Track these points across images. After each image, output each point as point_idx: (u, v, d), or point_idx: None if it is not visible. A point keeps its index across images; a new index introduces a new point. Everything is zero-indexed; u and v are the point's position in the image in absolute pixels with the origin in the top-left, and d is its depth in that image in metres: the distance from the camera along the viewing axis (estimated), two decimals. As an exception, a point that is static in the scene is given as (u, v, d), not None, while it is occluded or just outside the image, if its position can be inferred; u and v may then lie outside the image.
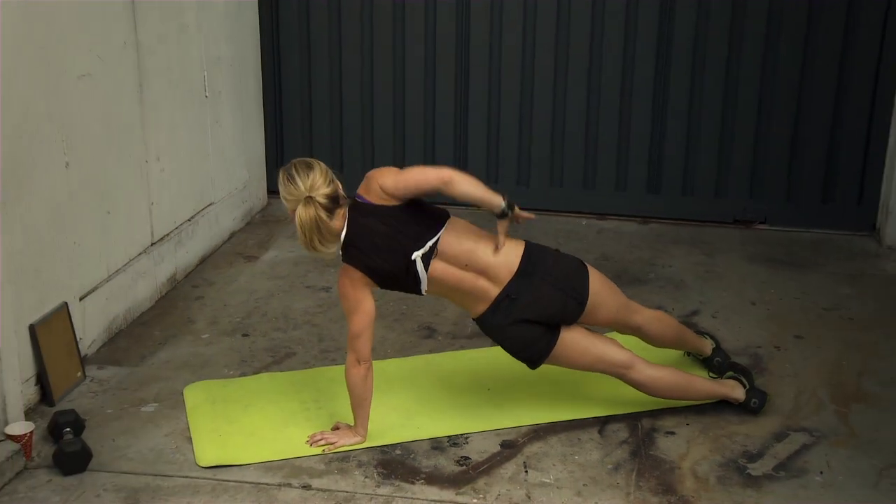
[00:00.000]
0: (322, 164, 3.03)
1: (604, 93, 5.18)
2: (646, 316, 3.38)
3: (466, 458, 3.12)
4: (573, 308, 3.13)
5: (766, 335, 3.96)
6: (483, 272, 3.08)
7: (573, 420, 3.33)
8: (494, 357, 3.75)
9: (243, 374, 3.65)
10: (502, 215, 3.05)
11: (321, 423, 3.29)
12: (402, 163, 5.41)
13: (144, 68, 4.10)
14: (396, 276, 3.07)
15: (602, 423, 3.32)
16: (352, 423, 3.19)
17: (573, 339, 3.16)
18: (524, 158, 5.35)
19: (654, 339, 3.44)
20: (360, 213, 3.03)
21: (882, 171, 4.99)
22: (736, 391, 3.36)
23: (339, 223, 3.02)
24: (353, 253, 3.03)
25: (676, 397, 3.31)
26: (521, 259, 3.10)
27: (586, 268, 3.20)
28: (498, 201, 3.03)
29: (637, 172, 5.26)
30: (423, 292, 3.11)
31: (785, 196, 5.15)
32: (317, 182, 2.96)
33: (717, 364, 3.55)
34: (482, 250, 3.08)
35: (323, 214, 2.95)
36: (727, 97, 5.08)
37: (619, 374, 3.24)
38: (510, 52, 5.20)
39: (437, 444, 3.20)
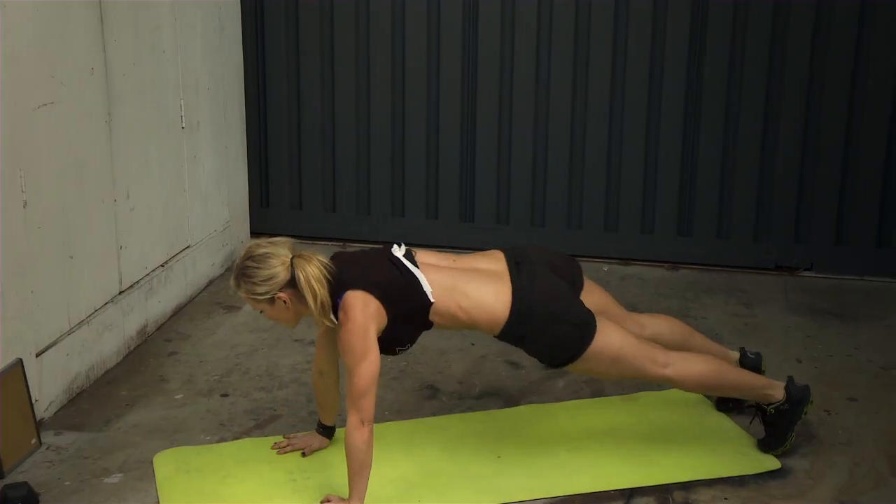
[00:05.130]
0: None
1: (627, 124, 5.18)
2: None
3: (474, 537, 3.08)
4: (576, 271, 3.46)
5: (814, 397, 3.90)
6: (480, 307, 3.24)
7: (595, 493, 3.29)
8: (506, 420, 3.75)
9: (222, 440, 3.62)
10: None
11: (309, 496, 3.25)
12: (401, 205, 5.42)
13: (113, 95, 4.10)
14: (397, 286, 3.16)
15: (628, 496, 3.28)
16: (344, 495, 3.16)
17: (602, 340, 3.28)
18: (539, 198, 5.34)
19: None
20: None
21: (943, 212, 5.00)
22: (776, 391, 3.45)
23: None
24: (350, 276, 3.14)
25: (708, 389, 3.52)
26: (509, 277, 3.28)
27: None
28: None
29: (665, 213, 5.25)
30: (431, 298, 3.17)
31: (833, 240, 5.13)
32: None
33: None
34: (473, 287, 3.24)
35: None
36: (767, 130, 5.07)
37: (654, 366, 3.34)
38: (521, 81, 5.22)
39: (440, 521, 3.16)
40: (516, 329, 3.23)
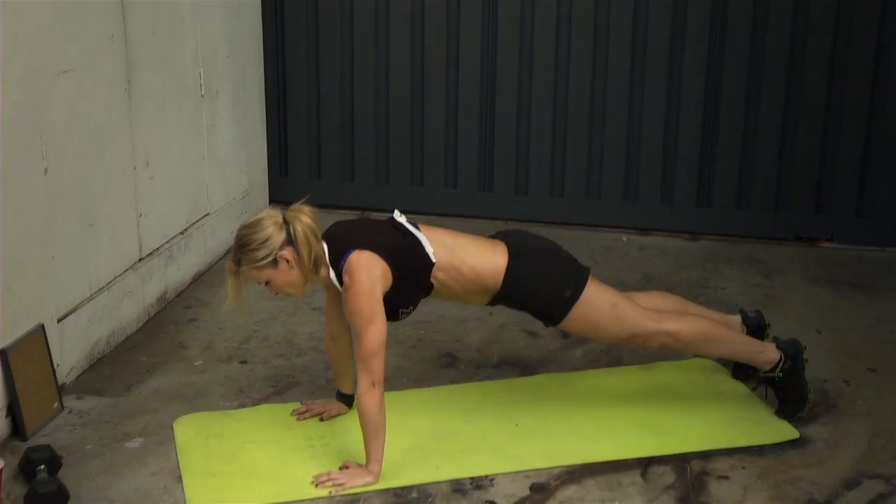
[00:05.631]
0: None
1: (647, 91, 5.15)
2: None
3: (492, 502, 3.10)
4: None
5: (834, 368, 3.92)
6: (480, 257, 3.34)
7: (612, 461, 3.30)
8: (524, 388, 3.76)
9: (241, 406, 3.64)
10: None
11: (328, 462, 3.28)
12: (420, 174, 5.43)
13: (133, 63, 4.11)
14: (401, 248, 3.21)
15: (645, 464, 3.29)
16: (363, 462, 3.18)
17: (597, 287, 3.40)
18: (557, 166, 5.33)
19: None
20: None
21: (968, 181, 4.96)
22: (769, 351, 3.49)
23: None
24: (354, 238, 3.19)
25: (707, 343, 3.49)
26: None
27: None
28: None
29: (685, 182, 5.23)
30: (433, 258, 3.23)
31: (854, 210, 5.10)
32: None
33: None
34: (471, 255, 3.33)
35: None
36: (788, 97, 5.03)
37: (651, 321, 3.38)
38: (540, 50, 5.19)
39: (458, 487, 3.17)
40: (516, 274, 3.29)
